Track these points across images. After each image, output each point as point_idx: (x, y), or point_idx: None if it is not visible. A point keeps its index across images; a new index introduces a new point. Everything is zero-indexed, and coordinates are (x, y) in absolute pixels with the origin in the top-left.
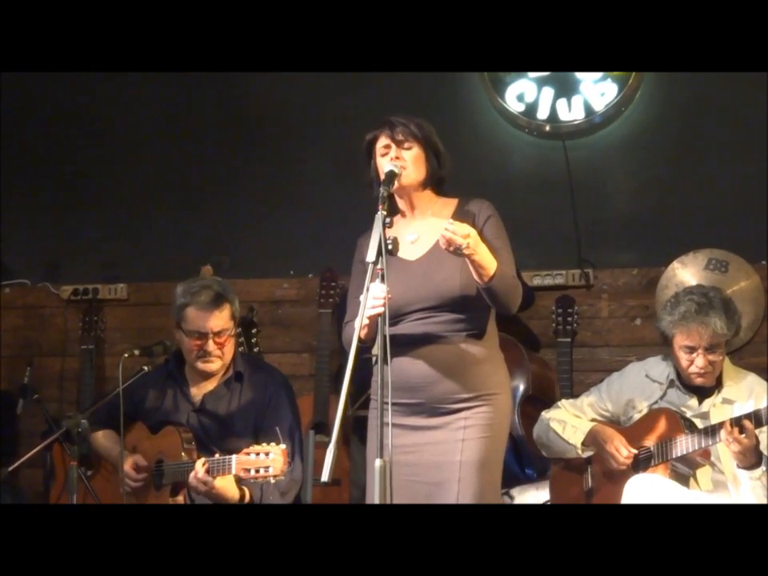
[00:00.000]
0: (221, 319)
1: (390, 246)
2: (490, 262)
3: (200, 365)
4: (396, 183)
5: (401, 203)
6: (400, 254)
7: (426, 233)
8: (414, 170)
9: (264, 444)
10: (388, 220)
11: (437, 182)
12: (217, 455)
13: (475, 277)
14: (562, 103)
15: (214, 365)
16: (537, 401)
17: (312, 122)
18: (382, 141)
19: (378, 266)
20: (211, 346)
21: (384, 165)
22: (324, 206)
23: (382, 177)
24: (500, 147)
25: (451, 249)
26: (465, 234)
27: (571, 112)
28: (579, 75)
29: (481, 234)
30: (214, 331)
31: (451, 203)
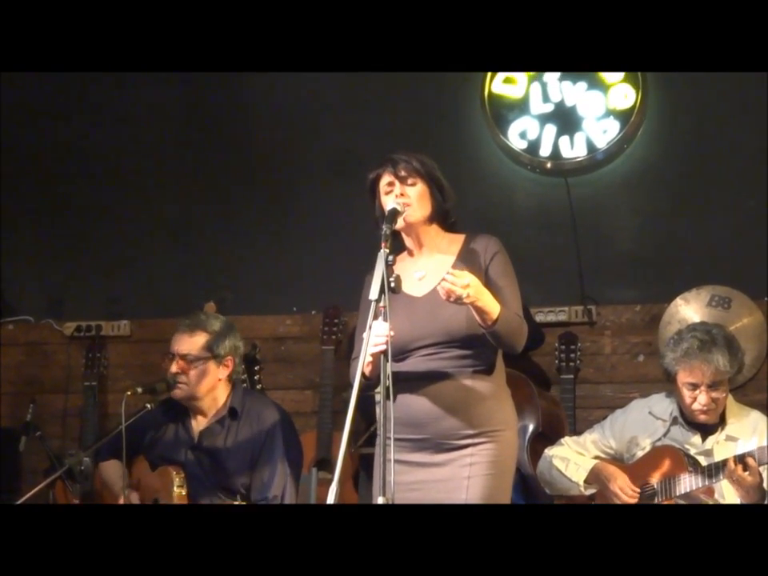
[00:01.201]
0: (189, 343)
1: (392, 284)
2: (492, 307)
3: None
4: (401, 221)
5: (408, 241)
6: (407, 290)
7: (433, 270)
8: (419, 206)
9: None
10: (390, 258)
11: (443, 217)
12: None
13: (478, 321)
14: (564, 140)
15: (179, 390)
16: (547, 439)
17: (315, 156)
18: (386, 178)
19: (381, 304)
20: (174, 367)
21: (387, 203)
22: (328, 241)
23: (386, 208)
24: (503, 184)
25: (451, 299)
26: (464, 285)
27: (574, 149)
28: (581, 112)
29: (486, 271)
30: (180, 353)
31: (458, 239)
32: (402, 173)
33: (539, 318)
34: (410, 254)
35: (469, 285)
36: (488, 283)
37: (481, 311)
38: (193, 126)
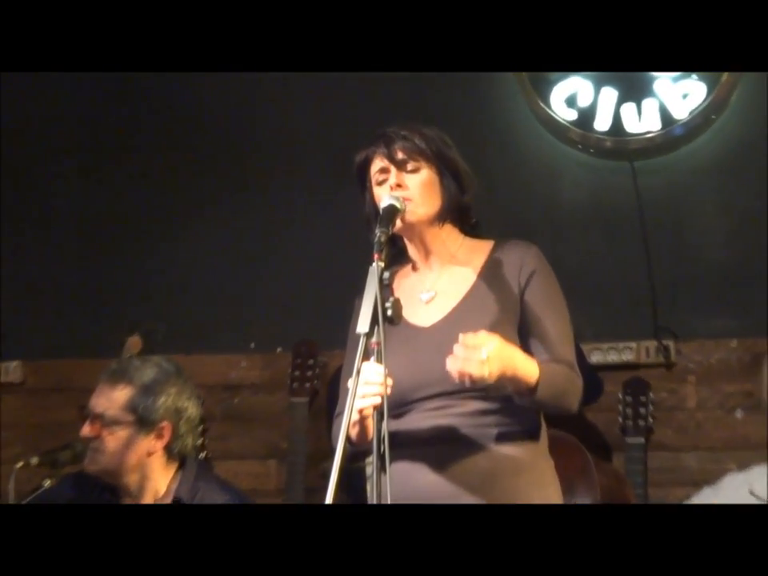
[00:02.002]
0: (107, 399)
1: (389, 312)
2: (527, 371)
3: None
4: (399, 222)
5: (411, 248)
6: (409, 317)
7: (446, 289)
8: (424, 200)
9: None
10: (387, 275)
11: (460, 214)
12: None
13: (510, 391)
14: (629, 109)
15: (91, 463)
16: None
17: (278, 147)
18: (377, 163)
19: (374, 340)
20: (85, 429)
21: (381, 196)
22: (299, 253)
23: (381, 205)
24: (543, 170)
25: (467, 382)
26: (480, 361)
27: (642, 121)
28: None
29: (522, 296)
30: (94, 412)
31: (483, 247)
32: (400, 155)
33: (595, 358)
34: (414, 267)
35: (488, 358)
36: (525, 313)
37: (513, 381)
38: (113, 122)
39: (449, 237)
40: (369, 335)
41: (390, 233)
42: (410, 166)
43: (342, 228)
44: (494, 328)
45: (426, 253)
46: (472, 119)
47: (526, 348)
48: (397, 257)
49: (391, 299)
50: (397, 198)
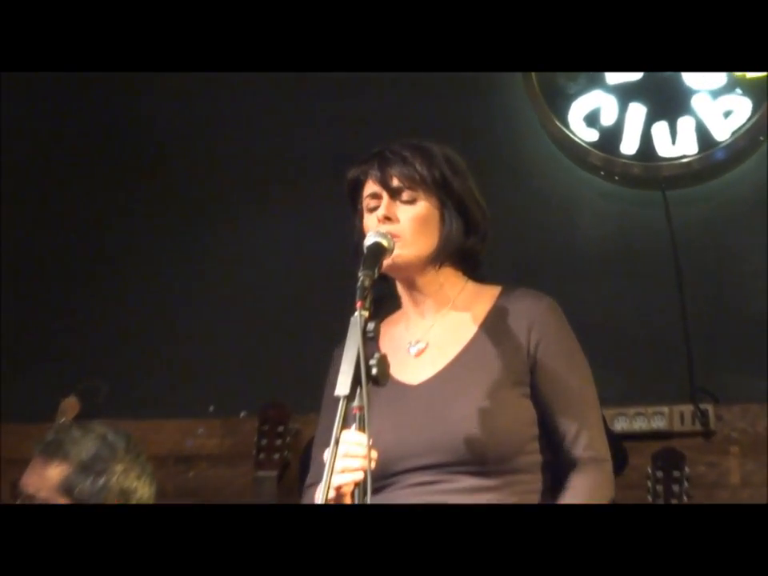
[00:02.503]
0: (39, 478)
1: (373, 371)
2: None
3: None
4: (389, 260)
5: (401, 290)
6: (397, 374)
7: (440, 340)
8: (415, 238)
9: None
10: (371, 326)
11: (462, 256)
12: None
13: None
14: (661, 129)
15: None
16: None
17: (243, 164)
18: (370, 186)
19: (355, 404)
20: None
21: (370, 228)
22: (266, 299)
23: (365, 243)
24: (559, 201)
25: None
26: None
27: (677, 144)
28: (689, 81)
29: (535, 361)
30: (26, 492)
31: (488, 294)
32: (394, 181)
33: (620, 425)
34: (405, 313)
35: None
36: (540, 380)
37: None
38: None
39: (447, 280)
40: (349, 398)
41: (376, 276)
42: (405, 196)
43: (318, 269)
44: (494, 390)
45: (418, 298)
46: (472, 138)
47: (544, 427)
48: (385, 299)
49: (376, 356)
50: (384, 235)
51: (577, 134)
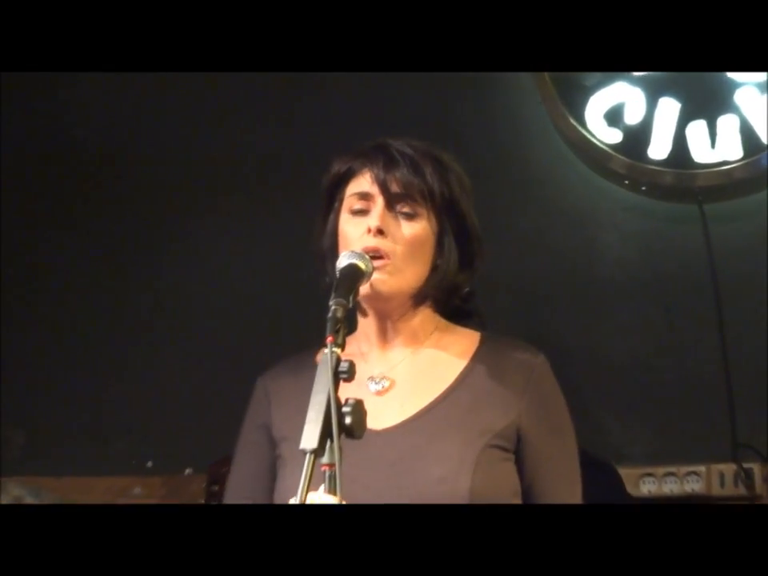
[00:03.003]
0: None
1: (347, 420)
2: None
3: None
4: (366, 288)
5: (363, 318)
6: None
7: (410, 380)
8: (407, 263)
9: None
10: (345, 366)
11: (448, 293)
12: None
13: None
14: (698, 129)
15: None
16: None
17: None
18: (361, 183)
19: (324, 460)
20: None
21: (348, 240)
22: (212, 335)
23: (338, 265)
24: (572, 215)
25: None
26: None
27: (717, 147)
28: (732, 72)
29: (520, 424)
30: None
31: (467, 338)
32: (397, 187)
33: (646, 488)
34: (362, 340)
35: None
36: (524, 454)
37: None
38: None
39: (423, 317)
40: (317, 453)
41: (350, 305)
42: (404, 208)
43: (275, 306)
44: (475, 450)
45: (387, 330)
46: (469, 140)
47: (526, 490)
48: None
49: (350, 402)
50: (361, 256)
51: (596, 134)
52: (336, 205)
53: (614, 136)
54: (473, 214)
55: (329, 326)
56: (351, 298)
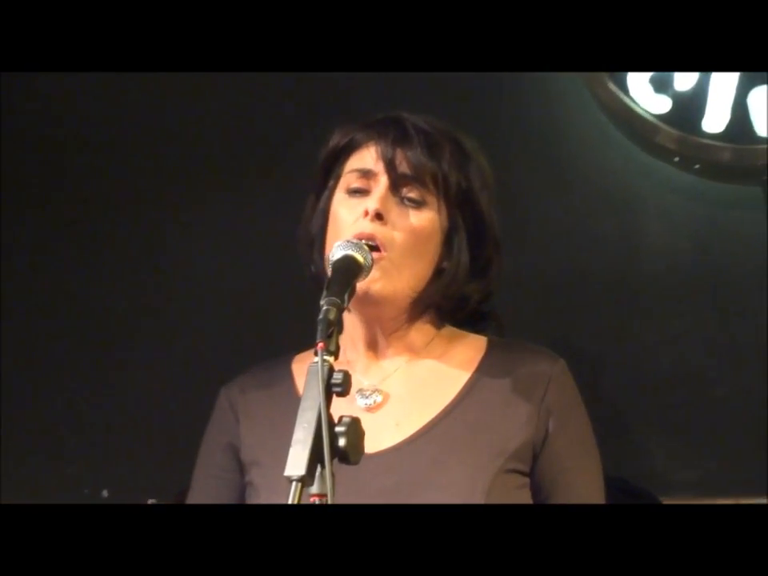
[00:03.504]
0: None
1: (340, 442)
2: None
3: None
4: (365, 284)
5: (352, 319)
6: None
7: (406, 395)
8: (408, 261)
9: None
10: (339, 377)
11: (454, 304)
12: None
13: None
14: (760, 96)
15: None
16: None
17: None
18: (365, 158)
19: (313, 490)
20: None
21: (341, 226)
22: (186, 350)
23: (331, 257)
24: (613, 199)
25: None
26: None
27: None
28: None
29: (542, 449)
30: None
31: (471, 344)
32: (406, 168)
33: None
34: (347, 347)
35: None
36: (540, 476)
37: None
38: None
39: (421, 325)
40: (304, 482)
41: (346, 304)
42: (412, 193)
43: (250, 318)
44: (487, 476)
45: (377, 336)
46: (489, 109)
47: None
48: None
49: (345, 421)
50: (359, 246)
51: (640, 103)
52: (331, 182)
53: (661, 105)
54: (492, 212)
55: (319, 329)
56: (346, 297)
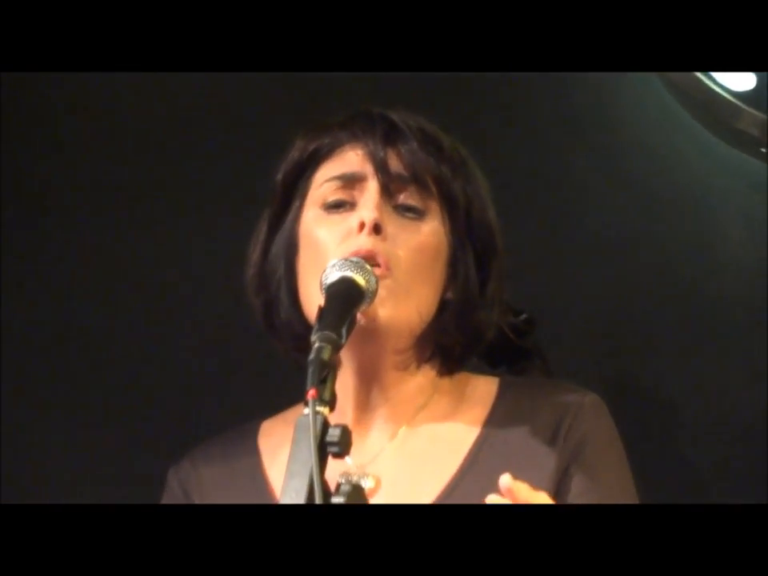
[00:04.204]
0: None
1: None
2: None
3: None
4: (367, 313)
5: (345, 376)
6: None
7: (398, 479)
8: (415, 284)
9: None
10: (336, 432)
11: (467, 345)
12: None
13: None
14: None
15: None
16: None
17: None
18: (342, 163)
19: None
20: None
21: (322, 247)
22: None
23: (324, 280)
24: (688, 196)
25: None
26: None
27: None
28: None
29: (563, 480)
30: None
31: (480, 394)
32: (398, 166)
33: None
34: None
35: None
36: (562, 489)
37: None
38: None
39: (422, 379)
40: None
41: (344, 340)
42: (411, 199)
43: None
44: None
45: (371, 397)
46: (531, 88)
47: None
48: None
49: (346, 489)
50: (360, 266)
51: (717, 79)
52: (296, 202)
53: (743, 82)
54: (498, 224)
55: (310, 372)
56: (345, 331)
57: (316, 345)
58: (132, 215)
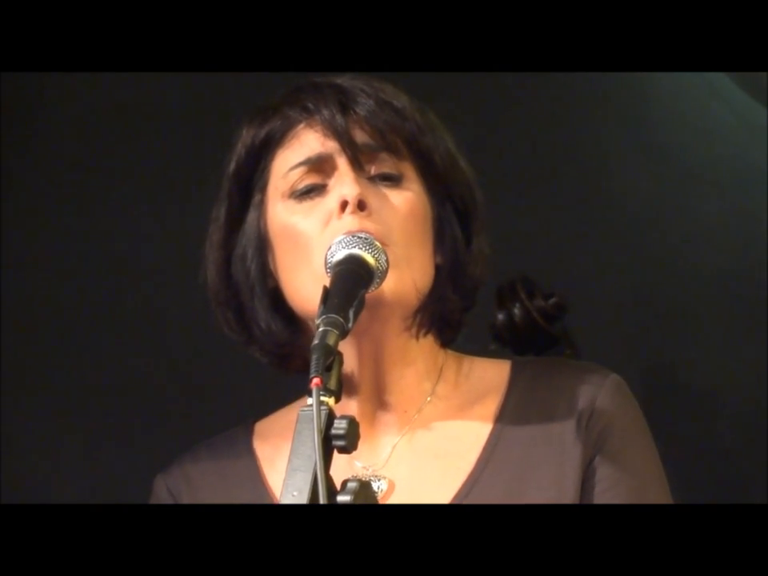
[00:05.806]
0: None
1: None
2: None
3: None
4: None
5: (352, 364)
6: None
7: (408, 477)
8: (410, 249)
9: None
10: (343, 424)
11: (461, 307)
12: None
13: None
14: None
15: None
16: None
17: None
18: (301, 146)
19: None
20: None
21: (302, 238)
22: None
23: (329, 259)
24: (739, 195)
25: None
26: None
27: None
28: None
29: (588, 472)
30: None
31: (487, 374)
32: (361, 134)
33: None
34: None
35: None
36: (588, 484)
37: None
38: None
39: (425, 353)
40: None
41: (350, 325)
42: (385, 167)
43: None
44: None
45: (369, 388)
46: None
47: None
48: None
49: (352, 487)
50: (369, 243)
51: None
52: (256, 196)
53: None
54: (473, 175)
55: (314, 359)
56: (352, 314)
57: (320, 329)
58: (136, 216)
